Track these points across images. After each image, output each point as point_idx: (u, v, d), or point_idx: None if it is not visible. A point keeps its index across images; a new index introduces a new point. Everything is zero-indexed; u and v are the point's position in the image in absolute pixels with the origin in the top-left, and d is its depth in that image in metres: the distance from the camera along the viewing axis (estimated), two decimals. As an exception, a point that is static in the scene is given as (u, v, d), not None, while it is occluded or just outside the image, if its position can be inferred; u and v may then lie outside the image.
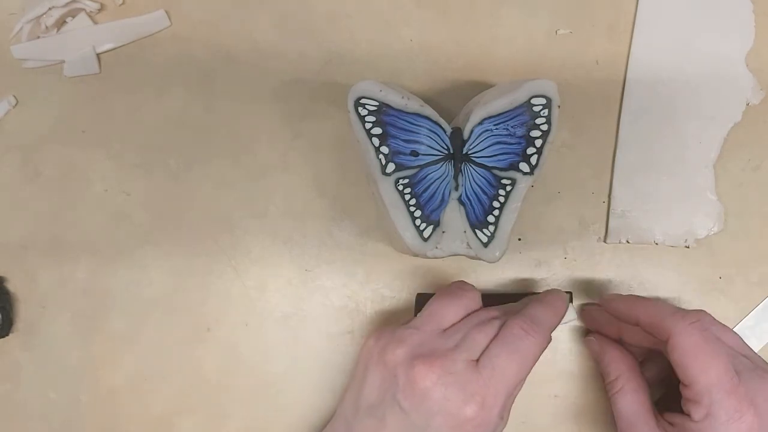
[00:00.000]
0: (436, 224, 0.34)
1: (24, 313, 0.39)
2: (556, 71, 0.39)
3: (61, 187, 0.39)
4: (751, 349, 0.33)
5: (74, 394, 0.39)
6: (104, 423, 0.39)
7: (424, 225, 0.33)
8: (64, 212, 0.39)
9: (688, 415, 0.29)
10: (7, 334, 0.39)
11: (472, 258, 0.35)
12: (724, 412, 0.28)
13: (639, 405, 0.32)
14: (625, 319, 0.34)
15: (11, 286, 0.39)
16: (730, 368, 0.29)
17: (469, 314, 0.33)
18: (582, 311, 0.38)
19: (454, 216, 0.34)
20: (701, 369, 0.29)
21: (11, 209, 0.39)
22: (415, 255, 0.34)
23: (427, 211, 0.34)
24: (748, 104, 0.39)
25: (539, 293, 0.36)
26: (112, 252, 0.39)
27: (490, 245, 0.34)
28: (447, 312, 0.32)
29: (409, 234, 0.33)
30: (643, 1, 0.40)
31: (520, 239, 0.39)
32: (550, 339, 0.34)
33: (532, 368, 0.31)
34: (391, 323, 0.38)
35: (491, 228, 0.34)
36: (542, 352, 0.32)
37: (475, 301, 0.33)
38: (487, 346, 0.30)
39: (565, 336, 0.39)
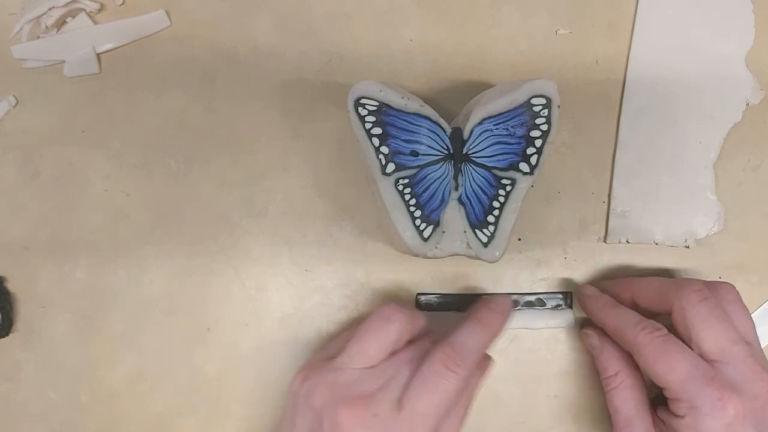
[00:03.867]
0: (436, 224, 0.34)
1: (24, 313, 0.39)
2: (556, 71, 0.39)
3: (61, 187, 0.39)
4: (755, 334, 0.33)
5: (74, 394, 0.39)
6: (104, 423, 0.39)
7: (424, 225, 0.33)
8: (64, 212, 0.39)
9: (674, 413, 0.30)
10: (7, 334, 0.39)
11: (472, 258, 0.35)
12: (704, 403, 0.28)
13: (636, 401, 0.32)
14: (608, 334, 0.34)
15: (11, 286, 0.39)
16: (699, 362, 0.29)
17: (407, 342, 0.32)
18: (584, 298, 0.37)
19: (454, 216, 0.34)
20: (667, 370, 0.29)
21: (11, 209, 0.39)
22: (415, 255, 0.34)
23: (427, 211, 0.34)
24: (748, 104, 0.39)
25: (484, 300, 0.34)
26: (112, 252, 0.39)
27: (490, 245, 0.34)
28: (371, 347, 0.31)
29: (409, 234, 0.33)
30: (643, 1, 0.40)
31: (520, 239, 0.39)
32: (489, 361, 0.34)
33: (464, 398, 0.31)
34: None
35: (491, 228, 0.34)
36: (469, 382, 0.31)
37: (404, 329, 0.31)
38: (410, 382, 0.29)
39: (563, 336, 0.39)
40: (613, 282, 0.37)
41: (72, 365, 0.39)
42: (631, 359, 0.33)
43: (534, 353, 0.39)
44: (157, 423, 0.39)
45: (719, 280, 0.33)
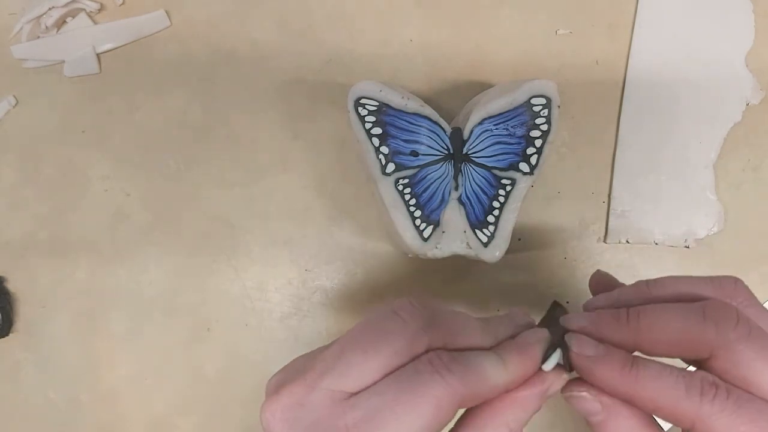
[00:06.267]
0: (436, 224, 0.34)
1: (24, 313, 0.39)
2: (556, 71, 0.39)
3: (61, 187, 0.39)
4: None
5: (74, 394, 0.39)
6: (104, 423, 0.39)
7: (424, 225, 0.33)
8: (64, 212, 0.39)
9: None
10: (7, 334, 0.39)
11: (472, 258, 0.35)
12: None
13: None
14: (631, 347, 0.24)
15: (11, 286, 0.39)
16: None
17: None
18: (577, 360, 0.24)
19: (454, 216, 0.34)
20: None
21: (11, 209, 0.39)
22: (415, 255, 0.34)
23: (427, 211, 0.34)
24: (748, 104, 0.39)
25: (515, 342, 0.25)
26: (112, 252, 0.39)
27: (490, 245, 0.34)
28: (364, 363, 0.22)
29: (409, 234, 0.33)
30: (643, 1, 0.40)
31: (520, 239, 0.39)
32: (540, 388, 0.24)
33: (440, 420, 0.21)
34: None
35: (491, 228, 0.34)
36: (458, 401, 0.22)
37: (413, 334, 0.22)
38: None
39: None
40: (608, 314, 0.24)
41: (72, 365, 0.39)
42: (651, 421, 0.24)
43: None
44: (157, 423, 0.39)
45: (723, 275, 0.25)
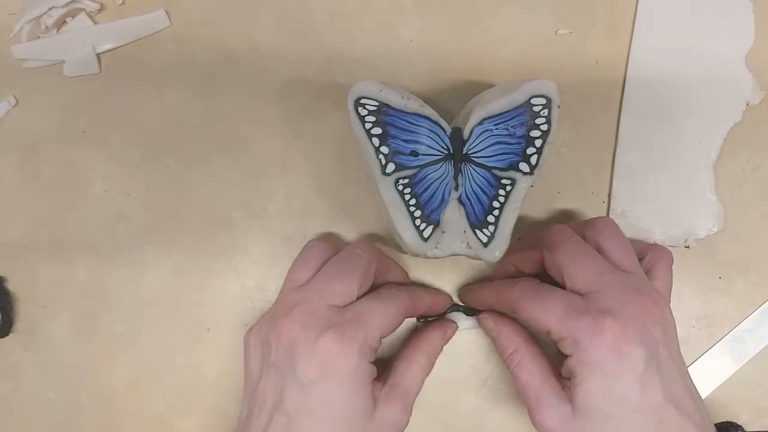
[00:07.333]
0: (436, 224, 0.34)
1: (24, 313, 0.39)
2: (556, 71, 0.39)
3: (61, 187, 0.39)
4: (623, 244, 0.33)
5: (74, 394, 0.39)
6: (104, 423, 0.39)
7: (424, 225, 0.33)
8: (64, 212, 0.39)
9: (564, 355, 0.29)
10: (7, 334, 0.39)
11: (472, 258, 0.35)
12: (583, 334, 0.28)
13: (541, 371, 0.31)
14: (494, 308, 0.36)
15: (11, 286, 0.39)
16: (572, 297, 0.30)
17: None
18: (463, 292, 0.38)
19: (454, 216, 0.34)
20: (544, 311, 0.30)
21: (11, 209, 0.39)
22: (415, 255, 0.34)
23: (427, 211, 0.34)
24: (748, 104, 0.39)
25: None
26: (112, 252, 0.39)
27: (490, 245, 0.34)
28: (299, 271, 0.34)
29: (409, 234, 0.33)
30: (643, 1, 0.40)
31: (520, 239, 0.39)
32: (451, 325, 0.37)
33: (399, 319, 0.32)
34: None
35: (491, 228, 0.34)
36: (407, 309, 0.33)
37: (324, 251, 0.34)
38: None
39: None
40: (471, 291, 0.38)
41: (72, 365, 0.39)
42: (528, 334, 0.34)
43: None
44: (157, 423, 0.39)
45: (598, 217, 0.35)
